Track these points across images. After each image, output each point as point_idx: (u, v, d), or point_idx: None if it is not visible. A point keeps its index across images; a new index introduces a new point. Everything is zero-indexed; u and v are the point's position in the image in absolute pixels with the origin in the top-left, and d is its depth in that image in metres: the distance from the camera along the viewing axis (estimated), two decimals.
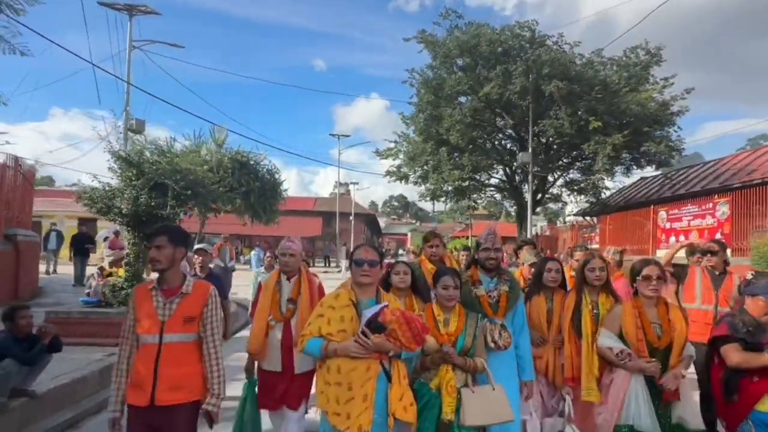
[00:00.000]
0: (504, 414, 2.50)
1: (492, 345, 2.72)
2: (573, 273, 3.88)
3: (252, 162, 10.73)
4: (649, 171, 18.35)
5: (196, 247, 4.66)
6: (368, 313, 2.22)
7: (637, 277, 2.83)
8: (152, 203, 6.07)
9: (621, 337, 2.77)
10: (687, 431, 2.66)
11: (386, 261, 3.36)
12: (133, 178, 5.99)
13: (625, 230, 15.37)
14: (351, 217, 33.76)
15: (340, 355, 2.22)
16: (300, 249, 3.27)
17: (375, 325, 2.17)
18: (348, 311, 2.33)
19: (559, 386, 3.19)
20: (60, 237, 10.53)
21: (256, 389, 3.19)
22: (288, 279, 3.21)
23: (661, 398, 2.64)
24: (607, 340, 2.79)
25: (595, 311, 3.08)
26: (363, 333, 2.18)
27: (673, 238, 12.62)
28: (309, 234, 29.17)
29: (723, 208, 11.10)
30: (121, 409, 2.35)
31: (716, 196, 11.64)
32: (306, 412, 3.20)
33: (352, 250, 2.56)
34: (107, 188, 6.27)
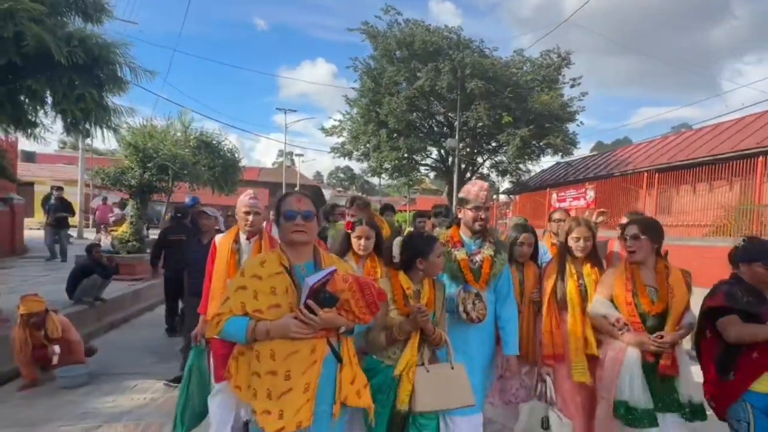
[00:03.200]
0: (462, 397, 2.26)
1: (463, 316, 2.47)
2: (554, 240, 3.70)
3: (215, 142, 13.31)
4: (556, 159, 22.57)
5: (201, 209, 5.21)
6: (311, 281, 1.78)
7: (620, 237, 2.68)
8: (154, 179, 8.77)
9: (614, 303, 2.62)
10: (693, 405, 2.50)
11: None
12: (141, 161, 8.64)
13: (530, 207, 19.37)
14: (296, 189, 36.32)
15: (274, 337, 1.80)
16: (263, 206, 3.12)
17: (324, 297, 1.78)
18: (280, 280, 1.87)
19: (537, 366, 2.96)
20: (63, 202, 10.90)
21: (207, 359, 3.02)
22: (247, 239, 3.05)
23: (657, 373, 2.47)
24: (601, 307, 2.63)
25: (580, 281, 2.88)
26: (307, 307, 1.77)
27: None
28: None
29: (590, 193, 15.10)
30: None
31: (587, 184, 15.62)
32: None
33: (278, 199, 2.08)
34: (118, 168, 8.87)
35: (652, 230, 2.67)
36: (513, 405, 3.15)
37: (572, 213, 14.67)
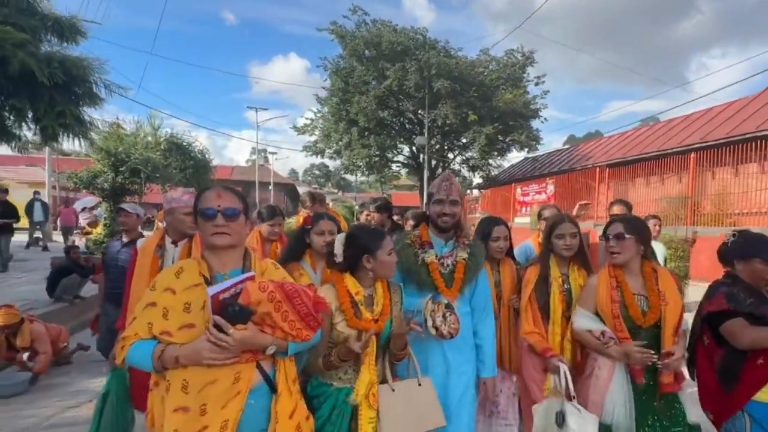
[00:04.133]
0: (433, 417, 2.01)
1: (432, 332, 2.14)
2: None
3: (185, 143, 13.79)
4: (524, 154, 23.61)
5: (119, 205, 4.57)
6: (216, 292, 1.48)
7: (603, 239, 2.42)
8: (126, 183, 9.24)
9: (598, 315, 2.34)
10: (692, 427, 2.27)
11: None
12: (113, 165, 9.10)
13: (496, 202, 20.33)
14: (270, 187, 36.60)
15: (186, 365, 1.48)
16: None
17: (233, 311, 1.47)
18: (197, 294, 1.55)
19: (514, 373, 2.80)
20: (45, 207, 11.04)
21: (125, 383, 2.52)
22: (174, 243, 2.70)
23: (654, 391, 2.21)
24: (585, 320, 2.36)
25: (565, 286, 2.59)
26: (215, 326, 1.46)
27: (524, 209, 17.57)
28: None
29: (551, 188, 16.09)
30: None
31: (548, 179, 16.62)
32: None
33: (196, 194, 1.76)
34: (90, 171, 9.30)
35: (639, 229, 2.36)
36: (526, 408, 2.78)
37: (533, 207, 15.56)
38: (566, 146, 25.98)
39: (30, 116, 5.05)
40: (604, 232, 2.49)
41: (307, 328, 1.61)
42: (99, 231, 9.66)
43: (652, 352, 2.15)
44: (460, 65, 18.89)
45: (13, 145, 5.32)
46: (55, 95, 4.89)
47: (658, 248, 4.34)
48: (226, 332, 1.47)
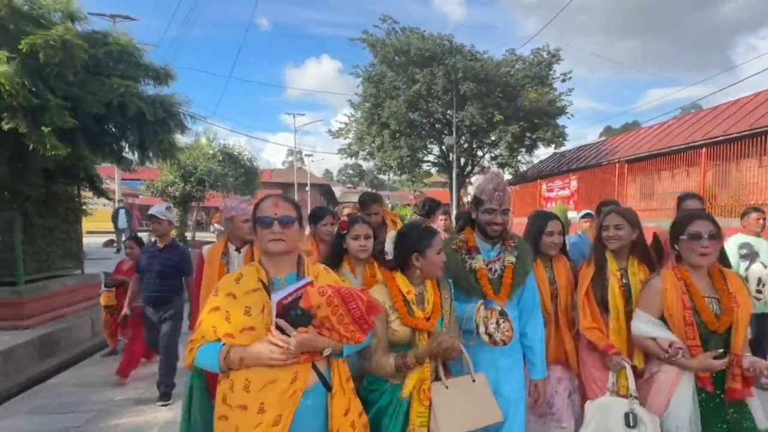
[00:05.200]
0: (490, 413, 2.02)
1: (485, 338, 2.13)
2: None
3: (236, 153, 15.52)
4: (552, 150, 24.35)
5: (149, 212, 4.59)
6: (280, 297, 1.59)
7: (681, 236, 2.21)
8: (193, 191, 10.94)
9: (663, 319, 2.21)
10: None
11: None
12: (183, 177, 10.81)
13: (524, 198, 21.23)
14: (307, 188, 38.49)
15: (249, 366, 1.62)
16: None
17: (296, 315, 1.58)
18: (256, 298, 1.69)
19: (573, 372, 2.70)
20: (129, 214, 11.74)
21: (204, 377, 2.75)
22: (237, 249, 2.92)
23: (721, 398, 2.12)
24: (648, 326, 2.23)
25: (623, 281, 2.51)
26: (279, 328, 1.59)
27: (550, 204, 18.44)
28: None
29: (574, 183, 16.94)
30: None
31: (571, 175, 17.45)
32: None
33: (254, 204, 1.88)
34: (163, 181, 11.06)
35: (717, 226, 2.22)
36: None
37: (558, 203, 16.47)
38: (596, 140, 26.44)
39: (138, 145, 6.64)
40: (683, 228, 2.23)
41: (360, 330, 1.69)
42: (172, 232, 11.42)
43: (725, 360, 2.08)
44: (486, 67, 19.95)
45: (124, 167, 6.96)
46: (156, 128, 6.47)
47: (763, 246, 4.25)
48: (288, 334, 1.57)
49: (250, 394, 1.61)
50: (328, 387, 1.71)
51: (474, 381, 2.06)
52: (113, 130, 6.31)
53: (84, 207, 7.16)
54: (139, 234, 16.27)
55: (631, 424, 2.14)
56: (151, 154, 6.81)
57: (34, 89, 4.92)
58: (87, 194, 7.35)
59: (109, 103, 5.77)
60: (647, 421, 2.13)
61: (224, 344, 1.66)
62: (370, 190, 71.95)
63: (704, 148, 11.84)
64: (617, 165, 14.86)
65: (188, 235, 12.35)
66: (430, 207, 4.73)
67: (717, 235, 2.17)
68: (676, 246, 2.27)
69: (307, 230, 3.65)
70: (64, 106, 5.15)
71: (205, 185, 10.83)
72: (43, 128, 4.94)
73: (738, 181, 12.14)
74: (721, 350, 2.10)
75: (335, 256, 2.58)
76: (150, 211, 4.54)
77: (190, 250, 10.78)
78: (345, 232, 2.56)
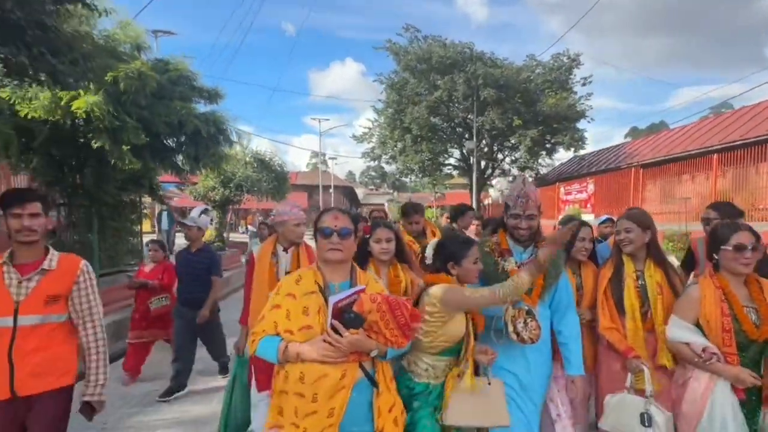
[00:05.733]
0: (496, 416, 2.19)
1: (513, 337, 2.30)
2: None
3: (267, 159, 16.55)
4: (572, 153, 24.77)
5: (180, 219, 5.15)
6: (336, 300, 1.77)
7: (722, 246, 2.28)
8: (232, 195, 11.97)
9: (698, 326, 2.30)
10: None
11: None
12: (222, 182, 11.86)
13: (544, 201, 21.76)
14: (331, 190, 39.60)
15: (305, 360, 1.81)
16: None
17: (349, 318, 1.76)
18: (314, 300, 1.88)
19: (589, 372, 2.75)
20: (171, 216, 12.60)
21: (247, 369, 3.13)
22: (284, 250, 3.18)
23: (754, 409, 2.23)
24: (683, 331, 2.31)
25: (640, 282, 2.62)
26: (333, 329, 1.77)
27: (567, 207, 18.97)
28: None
29: (591, 187, 17.45)
30: None
31: (588, 178, 17.96)
32: None
33: (316, 216, 2.07)
34: (204, 187, 12.14)
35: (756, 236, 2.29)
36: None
37: (575, 206, 17.01)
38: (616, 144, 26.70)
39: (193, 157, 7.64)
40: (724, 238, 2.31)
41: (402, 336, 1.83)
42: (210, 233, 12.46)
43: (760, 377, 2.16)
44: (506, 73, 20.56)
45: (181, 177, 8.00)
46: (209, 143, 7.46)
47: None
48: (341, 335, 1.75)
49: (305, 385, 1.80)
50: (374, 384, 1.89)
51: (489, 384, 2.22)
52: (173, 145, 7.33)
53: (146, 211, 8.21)
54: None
55: (646, 425, 2.28)
56: (201, 165, 7.83)
57: (115, 114, 5.92)
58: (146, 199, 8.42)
59: (170, 122, 6.77)
60: (661, 421, 2.27)
61: (283, 339, 1.85)
62: (392, 192, 72.94)
63: (716, 154, 12.28)
64: (633, 170, 15.34)
65: (225, 235, 13.44)
66: (456, 212, 5.22)
67: (758, 246, 2.25)
68: (715, 255, 2.34)
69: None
70: (137, 127, 6.16)
71: (242, 190, 11.86)
72: (123, 146, 5.94)
73: (755, 184, 12.49)
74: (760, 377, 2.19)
75: (361, 258, 2.67)
76: (181, 219, 5.07)
77: (226, 249, 11.87)
78: (368, 236, 2.73)
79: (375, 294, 1.86)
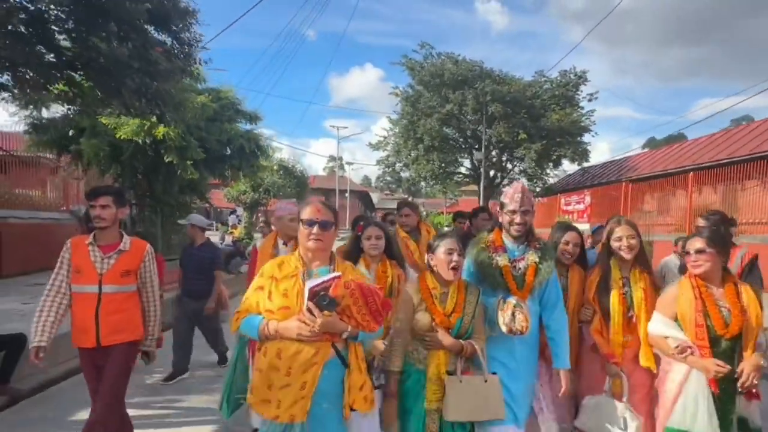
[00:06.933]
0: (493, 410, 2.35)
1: (503, 328, 2.44)
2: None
3: (290, 165, 18.36)
4: (575, 167, 26.15)
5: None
6: (313, 285, 1.91)
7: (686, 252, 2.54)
8: (260, 198, 13.77)
9: (677, 322, 2.48)
10: (750, 429, 2.47)
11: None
12: (252, 187, 13.67)
13: (545, 210, 23.17)
14: (347, 194, 41.37)
15: (281, 337, 1.98)
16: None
17: (324, 301, 1.90)
18: (294, 283, 2.05)
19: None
20: (206, 215, 16.08)
21: (248, 348, 3.26)
22: (285, 244, 3.39)
23: (728, 399, 2.38)
24: (662, 326, 2.51)
25: (625, 289, 2.75)
26: (308, 310, 1.92)
27: (564, 217, 20.34)
28: None
29: (588, 199, 18.84)
30: (45, 339, 2.66)
31: (586, 191, 19.34)
32: None
33: (300, 207, 2.24)
34: (237, 190, 13.97)
35: (720, 242, 2.49)
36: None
37: (569, 217, 18.43)
38: (622, 156, 27.96)
39: (238, 168, 9.46)
40: (683, 246, 2.71)
41: (374, 321, 2.03)
42: (240, 231, 14.25)
43: (729, 367, 2.31)
44: (513, 90, 22.11)
45: (225, 182, 9.81)
46: (250, 156, 9.27)
47: None
48: (315, 316, 1.91)
49: (281, 360, 1.97)
50: (345, 363, 2.04)
51: (486, 381, 2.36)
52: (222, 157, 9.16)
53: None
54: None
55: (622, 427, 2.50)
56: (243, 174, 9.65)
57: (182, 135, 7.71)
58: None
59: (221, 140, 8.57)
60: (633, 426, 2.51)
61: (264, 318, 2.03)
62: (407, 197, 74.06)
63: (692, 173, 13.66)
64: (623, 184, 16.70)
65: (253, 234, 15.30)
66: (472, 215, 5.49)
67: (703, 251, 2.42)
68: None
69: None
70: (197, 145, 7.94)
71: (269, 194, 13.66)
72: (187, 161, 7.74)
73: (729, 202, 13.72)
74: (729, 367, 2.32)
75: (353, 253, 2.92)
76: (189, 219, 5.42)
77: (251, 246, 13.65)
78: (360, 233, 2.94)
79: (350, 281, 2.01)
